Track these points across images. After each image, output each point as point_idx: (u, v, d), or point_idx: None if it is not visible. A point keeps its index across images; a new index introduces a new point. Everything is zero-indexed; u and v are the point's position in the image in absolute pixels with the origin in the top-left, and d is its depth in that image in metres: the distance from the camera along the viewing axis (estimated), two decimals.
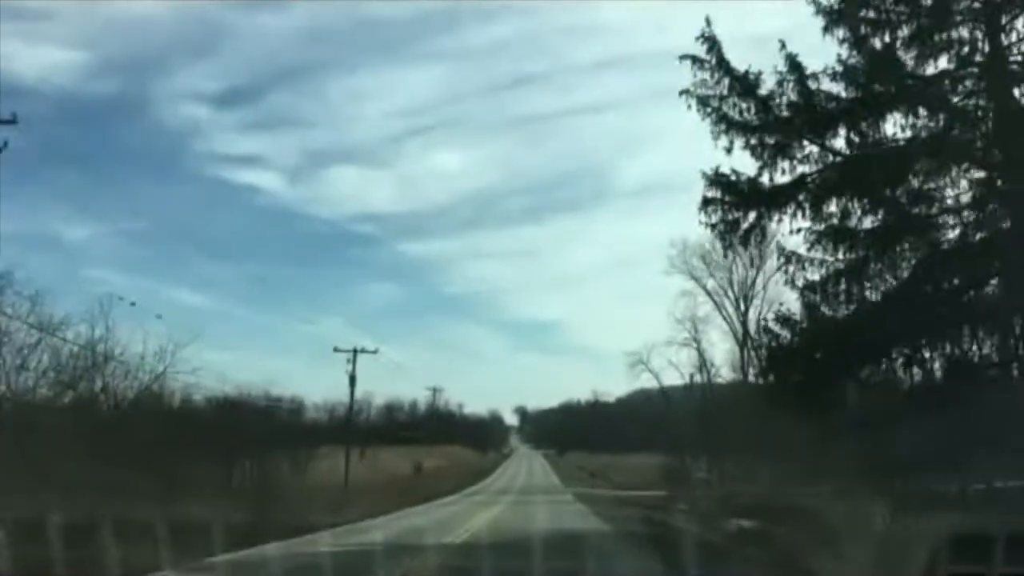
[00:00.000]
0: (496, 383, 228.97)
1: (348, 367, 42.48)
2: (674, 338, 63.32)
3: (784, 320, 16.65)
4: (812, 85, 16.25)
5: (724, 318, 61.41)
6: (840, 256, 16.11)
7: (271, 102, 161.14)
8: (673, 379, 70.07)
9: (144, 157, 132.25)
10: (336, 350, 43.10)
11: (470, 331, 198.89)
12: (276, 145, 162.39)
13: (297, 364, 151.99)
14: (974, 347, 16.78)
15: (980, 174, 16.55)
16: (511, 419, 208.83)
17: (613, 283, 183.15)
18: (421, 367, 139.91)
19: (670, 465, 59.62)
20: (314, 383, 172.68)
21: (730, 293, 61.09)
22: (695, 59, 16.75)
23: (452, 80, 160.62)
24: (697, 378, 63.47)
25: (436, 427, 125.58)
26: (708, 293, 61.72)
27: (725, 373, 63.26)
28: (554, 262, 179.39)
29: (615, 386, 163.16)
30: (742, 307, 60.63)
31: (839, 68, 16.36)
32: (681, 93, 16.57)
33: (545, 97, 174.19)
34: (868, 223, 16.28)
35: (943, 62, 16.29)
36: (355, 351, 42.92)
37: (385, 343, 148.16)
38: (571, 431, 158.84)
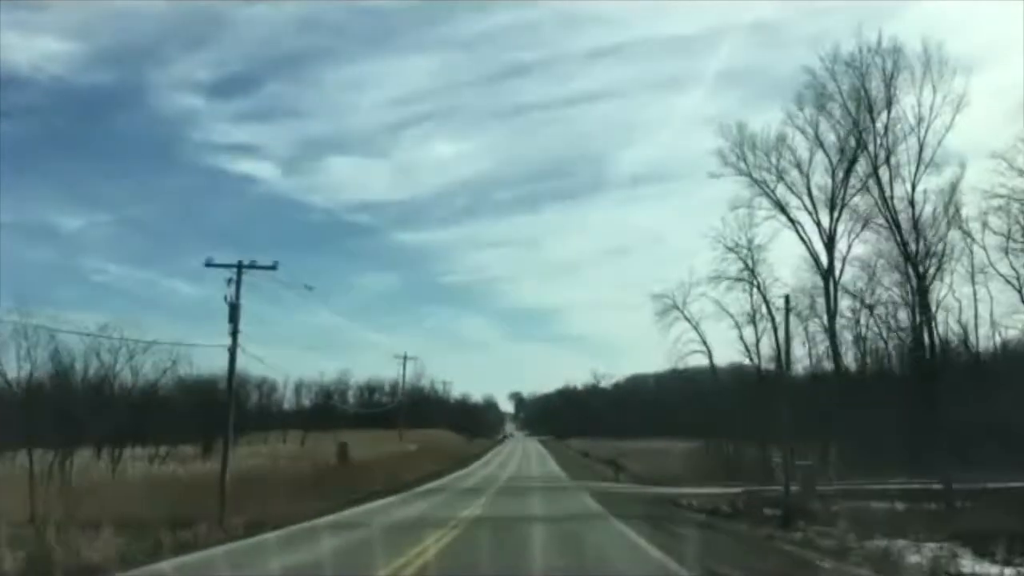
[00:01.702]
0: (492, 371, 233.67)
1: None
2: (723, 272, 46.50)
3: None
4: None
5: (801, 238, 43.91)
6: None
7: (267, 92, 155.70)
8: (713, 330, 53.81)
9: (140, 147, 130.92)
10: (209, 264, 27.22)
11: (467, 320, 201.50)
12: (272, 135, 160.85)
13: (292, 353, 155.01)
14: None
15: None
16: (507, 406, 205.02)
17: (609, 271, 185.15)
18: (418, 356, 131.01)
19: (722, 452, 43.75)
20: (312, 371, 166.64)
21: (807, 201, 43.95)
22: None
23: (448, 69, 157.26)
24: (749, 334, 46.91)
25: (412, 409, 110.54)
26: (778, 204, 44.35)
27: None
28: (550, 250, 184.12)
29: (616, 370, 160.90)
30: (826, 222, 43.33)
31: None
32: None
33: (541, 86, 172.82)
34: None
35: None
36: (239, 265, 27.01)
37: (381, 332, 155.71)
38: (569, 417, 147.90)
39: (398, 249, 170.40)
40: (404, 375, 79.95)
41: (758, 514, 21.46)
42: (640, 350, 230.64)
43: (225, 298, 26.80)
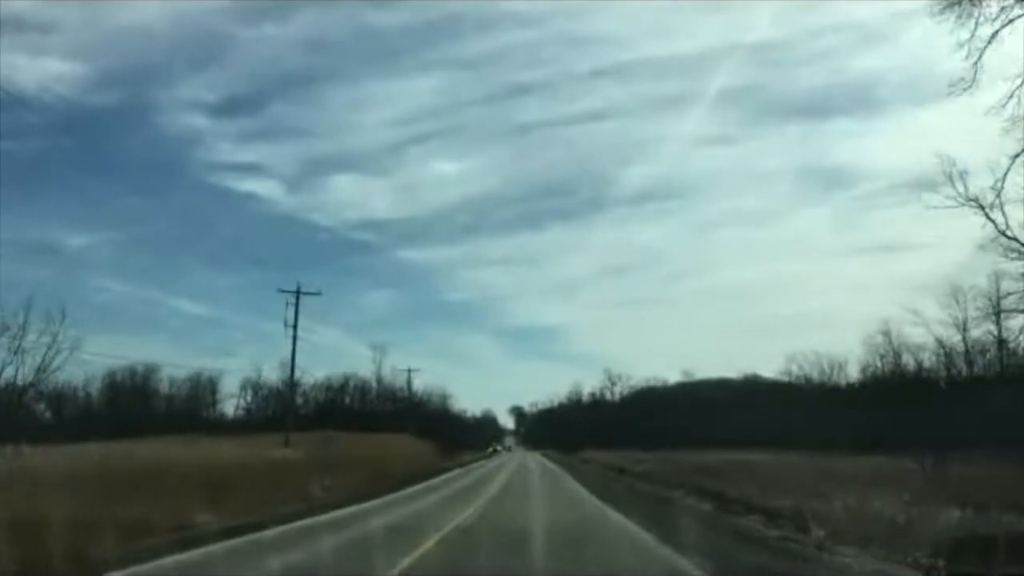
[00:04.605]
0: (494, 389, 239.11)
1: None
2: None
3: None
4: None
5: None
6: None
7: (271, 111, 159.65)
8: None
9: (145, 166, 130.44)
10: None
11: (468, 337, 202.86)
12: (276, 154, 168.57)
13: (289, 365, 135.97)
14: None
15: None
16: (508, 422, 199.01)
17: (610, 289, 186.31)
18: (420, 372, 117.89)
19: None
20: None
21: None
22: None
23: (451, 89, 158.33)
24: None
25: (369, 408, 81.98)
26: None
27: None
28: (552, 269, 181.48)
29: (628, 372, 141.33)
30: None
31: None
32: None
33: (543, 106, 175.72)
34: None
35: None
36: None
37: (383, 350, 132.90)
38: (579, 426, 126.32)
39: (400, 267, 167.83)
40: (295, 344, 49.03)
41: None
42: (649, 360, 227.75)
43: None
